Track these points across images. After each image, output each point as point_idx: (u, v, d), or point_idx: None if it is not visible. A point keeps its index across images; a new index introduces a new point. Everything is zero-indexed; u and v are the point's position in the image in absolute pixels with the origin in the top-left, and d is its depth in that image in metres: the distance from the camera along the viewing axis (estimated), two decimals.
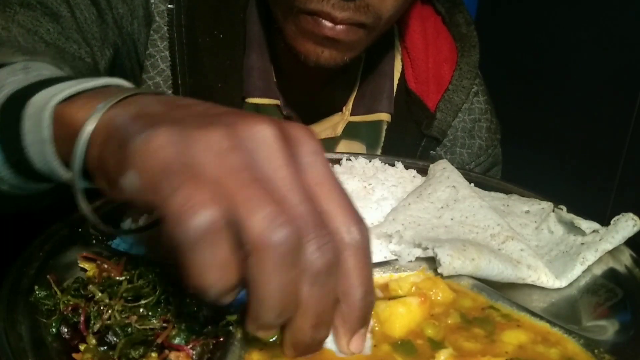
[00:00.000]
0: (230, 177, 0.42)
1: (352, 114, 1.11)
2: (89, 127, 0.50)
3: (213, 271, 0.42)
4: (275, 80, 1.07)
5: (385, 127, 1.16)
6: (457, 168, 0.83)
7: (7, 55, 0.65)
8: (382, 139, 1.17)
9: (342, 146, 1.16)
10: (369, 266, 0.48)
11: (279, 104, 1.07)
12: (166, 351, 0.54)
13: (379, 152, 1.18)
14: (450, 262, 0.64)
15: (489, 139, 1.23)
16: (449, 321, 0.60)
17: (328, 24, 0.89)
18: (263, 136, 0.44)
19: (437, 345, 0.56)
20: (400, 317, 0.58)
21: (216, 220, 0.41)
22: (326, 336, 0.49)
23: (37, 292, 0.60)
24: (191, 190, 0.41)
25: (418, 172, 0.92)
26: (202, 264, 0.42)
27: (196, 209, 0.40)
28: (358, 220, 0.47)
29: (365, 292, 0.47)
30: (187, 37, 1.01)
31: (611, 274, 0.70)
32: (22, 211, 0.72)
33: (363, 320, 0.49)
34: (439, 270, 0.65)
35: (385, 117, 1.11)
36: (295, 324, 0.47)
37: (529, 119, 2.45)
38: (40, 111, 0.54)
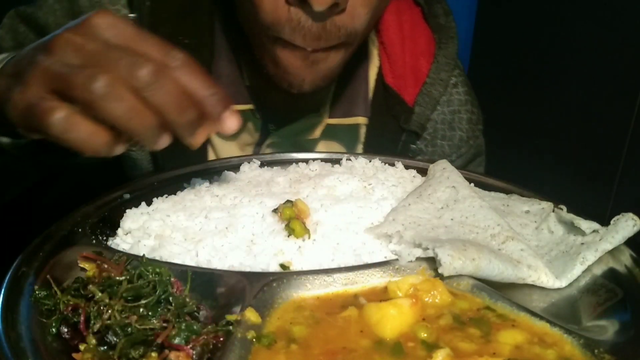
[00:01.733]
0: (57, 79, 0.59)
1: (330, 117, 1.11)
2: None
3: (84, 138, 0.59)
4: (248, 84, 1.07)
5: (363, 130, 1.15)
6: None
7: None
8: (362, 138, 1.16)
9: (322, 147, 1.15)
10: (202, 72, 0.62)
11: (252, 108, 1.06)
12: (166, 351, 0.54)
13: (359, 151, 1.17)
14: (451, 262, 0.64)
15: (470, 130, 1.22)
16: (441, 322, 0.60)
17: (305, 51, 0.88)
18: (62, 40, 0.60)
19: (431, 346, 0.56)
20: (391, 319, 0.59)
21: (68, 113, 0.58)
22: (193, 117, 0.61)
23: (37, 292, 0.60)
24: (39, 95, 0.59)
25: (418, 172, 0.92)
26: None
27: (49, 111, 0.58)
28: (174, 48, 0.62)
29: (210, 85, 0.62)
30: None
31: (611, 274, 0.70)
32: None
33: (221, 103, 0.63)
34: (440, 271, 0.65)
35: (362, 120, 1.12)
36: (167, 118, 0.60)
37: (529, 119, 2.45)
38: None
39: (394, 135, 1.16)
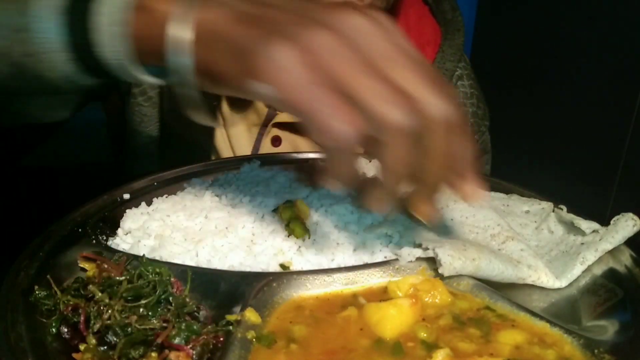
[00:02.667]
0: (351, 72, 0.50)
1: None
2: (187, 36, 0.53)
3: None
4: None
5: None
6: None
7: None
8: None
9: None
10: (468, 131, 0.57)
11: None
12: (166, 351, 0.54)
13: None
14: (451, 262, 0.64)
15: (476, 125, 1.20)
16: (441, 323, 0.60)
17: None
18: (360, 24, 0.52)
19: (430, 346, 0.56)
20: (391, 319, 0.59)
21: (353, 134, 0.50)
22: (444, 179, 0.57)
23: (37, 292, 0.60)
24: (329, 104, 0.50)
25: None
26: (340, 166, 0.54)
27: (339, 124, 0.50)
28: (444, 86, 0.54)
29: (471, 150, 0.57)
30: None
31: (611, 274, 0.70)
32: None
33: (475, 169, 0.58)
34: (440, 271, 0.65)
35: None
36: (427, 171, 0.55)
37: (529, 118, 2.45)
38: None
39: None
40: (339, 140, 0.51)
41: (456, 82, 1.18)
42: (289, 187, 0.83)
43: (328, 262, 0.69)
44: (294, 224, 0.70)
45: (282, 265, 0.67)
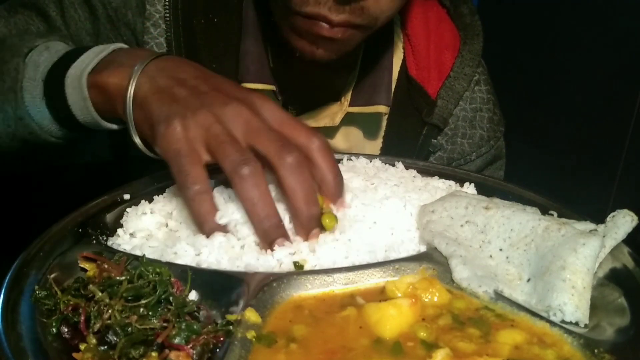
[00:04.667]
0: (214, 142, 0.69)
1: (350, 105, 1.11)
2: (129, 94, 0.75)
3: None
4: (271, 65, 1.07)
5: (384, 118, 1.15)
6: (458, 158, 0.82)
7: (31, 40, 0.89)
8: (382, 128, 1.16)
9: (340, 135, 1.15)
10: (332, 157, 0.72)
11: (274, 89, 1.07)
12: (166, 351, 0.54)
13: (379, 141, 1.17)
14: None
15: (491, 130, 1.22)
16: (440, 322, 0.60)
17: (325, 25, 0.89)
18: (234, 110, 0.71)
19: (430, 346, 0.56)
20: (391, 319, 0.59)
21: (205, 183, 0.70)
22: (318, 213, 0.70)
23: (37, 292, 0.60)
24: (191, 168, 0.69)
25: (418, 172, 0.92)
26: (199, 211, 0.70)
27: (192, 180, 0.69)
28: (316, 134, 0.72)
29: (335, 173, 0.72)
30: (183, 19, 1.03)
31: (611, 274, 0.70)
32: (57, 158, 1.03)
33: (341, 190, 0.74)
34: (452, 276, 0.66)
35: (383, 109, 1.11)
36: (293, 206, 0.68)
37: (529, 118, 2.45)
38: (77, 80, 0.80)
39: (415, 128, 1.16)
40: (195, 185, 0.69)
41: (474, 87, 1.18)
42: None
43: (342, 260, 0.69)
44: (325, 215, 0.71)
45: (296, 264, 0.67)
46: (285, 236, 0.68)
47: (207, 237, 0.69)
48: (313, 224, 0.69)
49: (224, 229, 0.70)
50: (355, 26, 0.91)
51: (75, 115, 0.82)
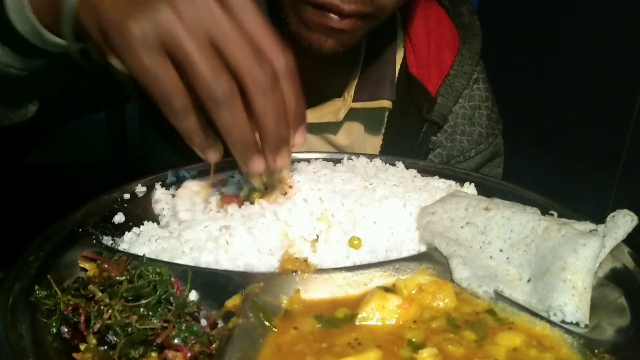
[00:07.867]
0: (181, 52, 0.60)
1: (354, 101, 1.12)
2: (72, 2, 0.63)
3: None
4: None
5: (386, 113, 1.16)
6: (457, 155, 0.81)
7: None
8: (384, 124, 1.17)
9: (343, 131, 1.16)
10: (297, 82, 0.68)
11: None
12: (166, 351, 0.54)
13: (380, 137, 1.18)
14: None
15: (490, 127, 1.23)
16: (433, 325, 0.60)
17: (334, 16, 0.89)
18: (204, 5, 0.61)
19: (417, 346, 0.56)
20: (382, 319, 0.60)
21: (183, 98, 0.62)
22: (287, 133, 0.67)
23: (37, 292, 0.60)
24: (161, 76, 0.60)
25: (419, 172, 0.92)
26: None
27: (166, 91, 0.61)
28: (285, 51, 0.65)
29: (298, 100, 0.69)
30: None
31: (611, 274, 0.70)
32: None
33: (303, 118, 0.71)
34: (452, 277, 0.65)
35: (387, 103, 1.12)
36: (263, 128, 0.65)
37: (529, 118, 2.45)
38: None
39: (415, 125, 1.17)
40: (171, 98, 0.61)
41: (473, 85, 1.20)
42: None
43: (343, 260, 0.69)
44: (353, 237, 0.72)
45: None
46: (259, 151, 0.67)
47: (203, 155, 0.68)
48: (282, 144, 0.68)
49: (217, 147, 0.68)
50: (362, 16, 0.91)
51: (11, 19, 0.70)
